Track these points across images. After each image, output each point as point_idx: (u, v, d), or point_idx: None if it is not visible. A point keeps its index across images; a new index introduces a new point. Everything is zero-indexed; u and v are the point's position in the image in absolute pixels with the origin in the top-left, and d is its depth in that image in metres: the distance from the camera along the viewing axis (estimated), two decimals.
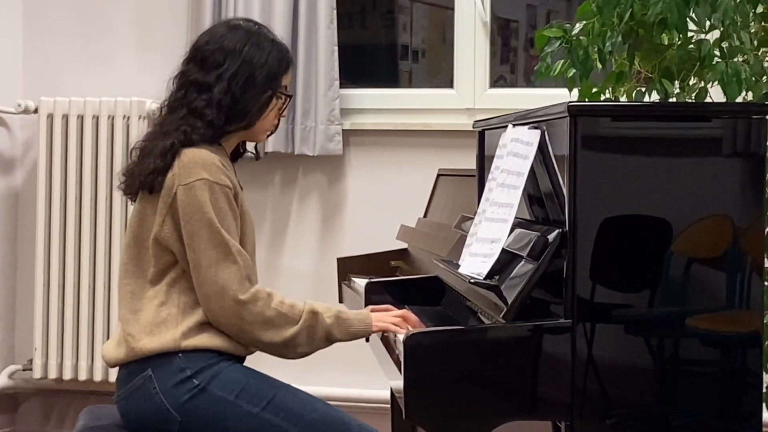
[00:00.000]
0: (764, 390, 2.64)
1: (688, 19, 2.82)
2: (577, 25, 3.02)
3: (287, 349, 2.79)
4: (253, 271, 2.83)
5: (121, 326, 2.84)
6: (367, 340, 3.40)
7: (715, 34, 2.91)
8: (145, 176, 2.80)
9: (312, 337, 2.78)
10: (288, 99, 2.96)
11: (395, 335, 2.77)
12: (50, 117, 4.75)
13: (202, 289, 2.74)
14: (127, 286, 2.85)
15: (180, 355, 2.75)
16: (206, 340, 2.77)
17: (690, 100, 2.93)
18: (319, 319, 2.79)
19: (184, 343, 2.75)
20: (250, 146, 3.10)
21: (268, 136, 3.00)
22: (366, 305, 3.18)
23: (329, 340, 2.81)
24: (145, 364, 2.76)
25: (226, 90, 2.83)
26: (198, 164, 2.76)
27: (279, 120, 2.98)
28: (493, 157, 2.87)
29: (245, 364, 2.87)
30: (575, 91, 3.09)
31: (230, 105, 2.84)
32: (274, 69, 2.89)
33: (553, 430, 2.63)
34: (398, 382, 2.54)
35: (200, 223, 2.73)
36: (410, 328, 2.75)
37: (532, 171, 2.65)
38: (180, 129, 2.80)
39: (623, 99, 3.05)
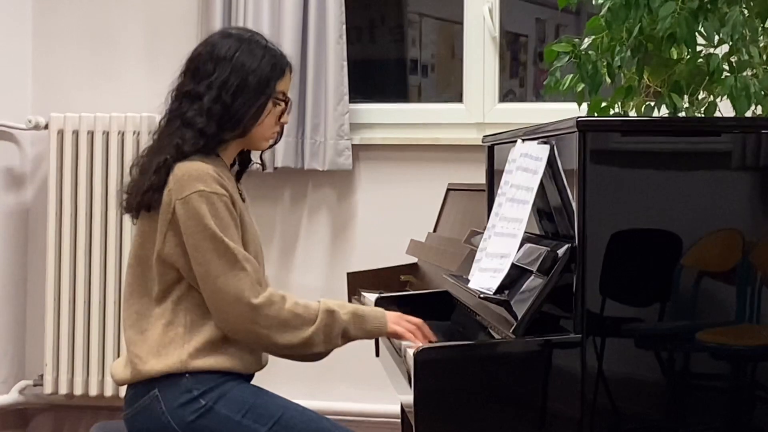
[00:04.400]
0: None
1: (697, 33, 2.82)
2: (586, 39, 3.02)
3: (304, 350, 2.77)
4: (262, 276, 2.83)
5: (127, 347, 2.83)
6: (377, 354, 3.41)
7: (724, 48, 2.91)
8: (142, 194, 2.79)
9: (329, 335, 2.77)
10: (286, 105, 2.92)
11: (405, 350, 2.77)
12: (60, 133, 4.77)
13: (214, 300, 2.73)
14: (132, 306, 2.84)
15: (187, 375, 2.74)
16: (213, 361, 2.76)
17: (699, 115, 2.92)
18: (335, 317, 2.77)
19: (191, 364, 2.74)
20: (255, 157, 3.07)
21: (271, 145, 2.97)
22: None
23: (345, 338, 2.80)
24: (151, 385, 2.76)
25: (217, 98, 2.81)
26: (192, 177, 2.74)
27: (282, 128, 2.96)
28: (502, 171, 2.87)
29: (254, 380, 2.87)
30: (584, 106, 3.09)
31: (221, 112, 2.81)
32: (266, 74, 2.86)
33: None
34: (408, 397, 2.54)
35: (202, 235, 2.73)
36: (420, 344, 2.74)
37: (541, 186, 2.65)
38: (172, 142, 2.79)
39: (632, 113, 3.05)
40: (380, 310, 2.88)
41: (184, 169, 2.76)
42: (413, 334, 2.81)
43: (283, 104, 2.91)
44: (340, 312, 2.79)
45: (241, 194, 2.91)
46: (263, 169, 3.15)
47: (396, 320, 2.84)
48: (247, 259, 2.75)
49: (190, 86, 2.86)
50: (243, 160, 3.01)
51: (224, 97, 2.81)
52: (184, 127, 2.81)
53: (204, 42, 2.94)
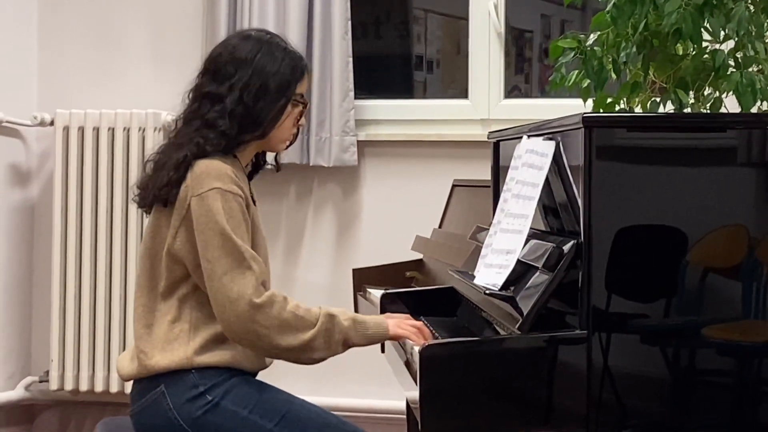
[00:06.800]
0: None
1: (702, 29, 2.81)
2: (592, 35, 3.02)
3: (304, 354, 2.75)
4: (267, 279, 2.83)
5: (134, 341, 2.84)
6: (383, 350, 3.41)
7: (730, 44, 2.91)
8: (159, 189, 2.80)
9: (329, 340, 2.76)
10: (304, 107, 2.93)
11: (411, 346, 2.77)
12: (66, 129, 4.77)
13: (217, 298, 2.72)
14: (140, 299, 2.85)
15: (193, 371, 2.75)
16: (218, 356, 2.77)
17: (705, 111, 2.92)
18: (335, 322, 2.77)
19: (197, 360, 2.75)
20: (270, 158, 3.08)
21: (288, 146, 2.98)
22: None
23: (346, 344, 2.79)
24: (157, 381, 2.76)
25: (239, 100, 2.82)
26: (211, 174, 2.75)
27: (298, 129, 2.96)
28: (507, 167, 2.87)
29: (259, 376, 2.87)
30: (590, 102, 3.09)
31: (243, 115, 2.82)
32: (287, 77, 2.87)
33: None
34: (414, 393, 2.54)
35: (212, 232, 2.72)
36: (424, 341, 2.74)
37: (546, 182, 2.65)
38: (193, 141, 2.80)
39: (638, 109, 3.05)
40: (381, 317, 2.88)
41: (203, 166, 2.77)
42: (415, 335, 2.81)
43: (301, 106, 2.92)
44: (341, 318, 2.78)
45: (252, 196, 2.91)
46: (277, 170, 3.15)
47: (397, 324, 2.84)
48: (254, 258, 2.75)
49: (210, 87, 2.86)
50: (257, 162, 3.02)
51: (246, 99, 2.82)
52: (206, 127, 2.82)
53: (223, 43, 2.95)
